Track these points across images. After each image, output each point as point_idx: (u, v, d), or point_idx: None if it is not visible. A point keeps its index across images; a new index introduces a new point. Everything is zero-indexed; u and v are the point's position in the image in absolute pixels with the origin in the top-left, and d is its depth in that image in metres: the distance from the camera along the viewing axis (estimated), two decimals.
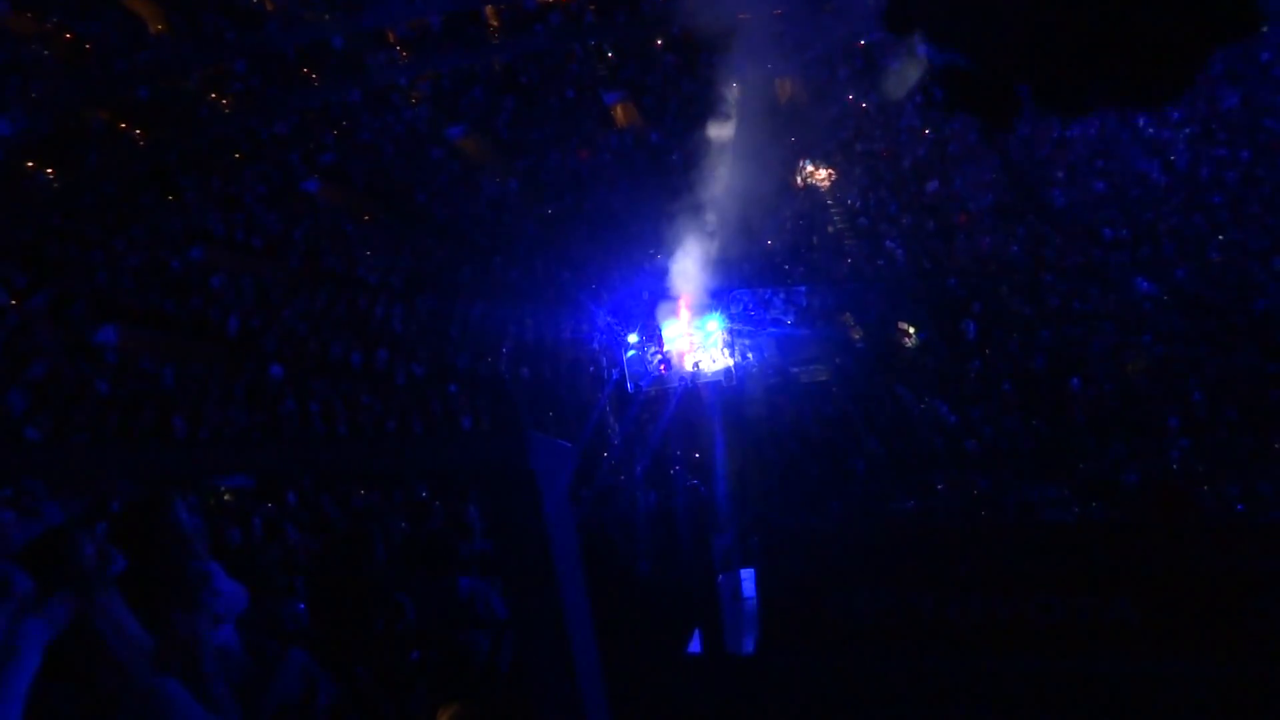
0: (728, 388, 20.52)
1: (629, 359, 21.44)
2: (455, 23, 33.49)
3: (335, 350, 18.77)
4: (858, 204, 28.43)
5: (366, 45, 31.98)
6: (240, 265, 21.55)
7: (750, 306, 23.36)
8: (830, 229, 27.72)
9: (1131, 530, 2.95)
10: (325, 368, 18.38)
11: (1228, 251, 23.95)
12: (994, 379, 18.70)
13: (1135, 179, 28.73)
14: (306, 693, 3.13)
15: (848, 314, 22.54)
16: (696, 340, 21.91)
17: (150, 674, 2.28)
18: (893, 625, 2.24)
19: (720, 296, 23.02)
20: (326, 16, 31.24)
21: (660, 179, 29.58)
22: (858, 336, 21.56)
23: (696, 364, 21.10)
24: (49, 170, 23.40)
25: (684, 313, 22.34)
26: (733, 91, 29.71)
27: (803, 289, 24.10)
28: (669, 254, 24.33)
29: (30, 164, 23.20)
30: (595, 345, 21.96)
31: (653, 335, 22.29)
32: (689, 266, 23.37)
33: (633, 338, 22.05)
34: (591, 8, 34.76)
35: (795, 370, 20.81)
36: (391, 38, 33.31)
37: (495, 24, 34.73)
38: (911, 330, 21.18)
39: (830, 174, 29.71)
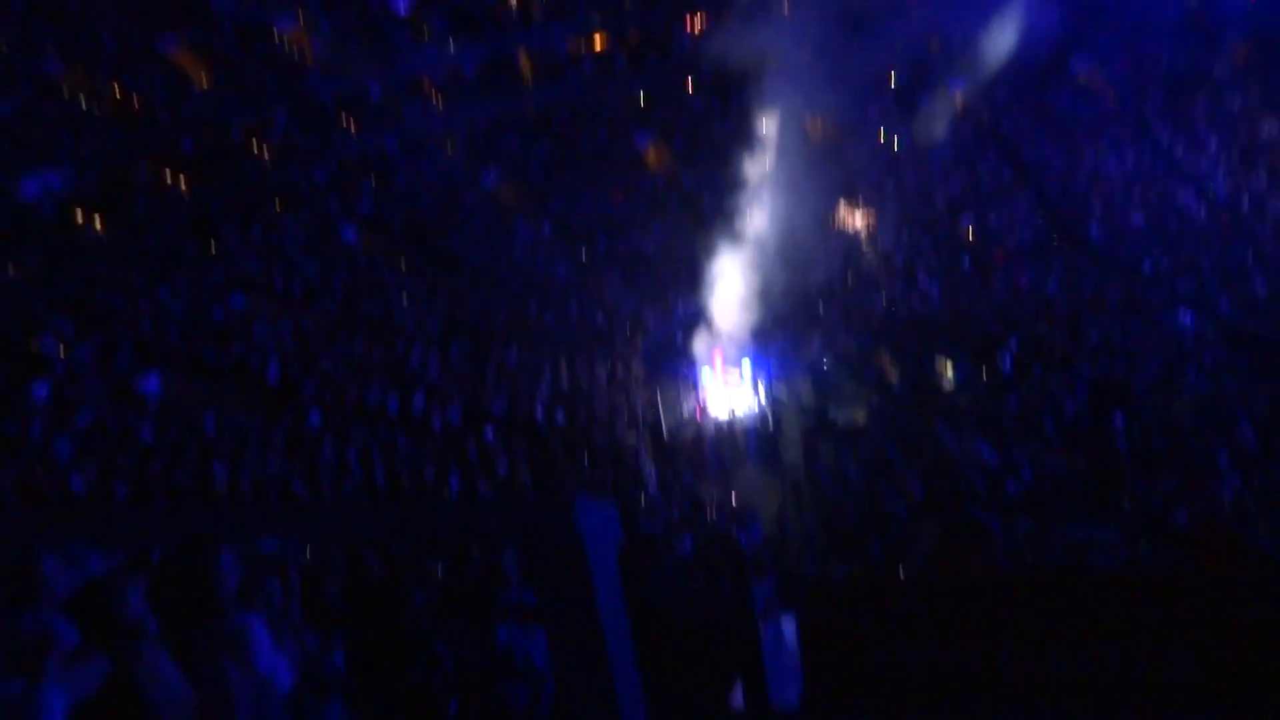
0: (764, 431, 20.37)
1: (665, 403, 21.40)
2: (489, 71, 34.14)
3: (372, 396, 18.93)
4: (891, 242, 28.34)
5: (403, 94, 32.65)
6: (280, 313, 21.87)
7: (786, 348, 23.26)
8: (865, 268, 27.63)
9: (1190, 579, 2.86)
10: (363, 414, 18.52)
11: (1271, 282, 23.52)
12: (1035, 418, 18.39)
13: (1174, 211, 28.39)
14: None
15: (884, 354, 22.35)
16: (732, 383, 21.84)
17: None
18: (941, 681, 2.17)
19: (755, 339, 22.97)
20: (364, 66, 31.97)
21: (693, 221, 29.73)
22: (895, 378, 21.35)
23: (732, 408, 20.99)
24: (97, 221, 24.00)
25: (719, 356, 22.30)
26: (764, 132, 29.90)
27: (838, 330, 23.99)
28: (703, 296, 24.37)
29: (79, 216, 23.82)
30: (631, 389, 21.93)
31: (689, 378, 22.25)
32: (723, 309, 23.38)
33: (668, 382, 22.04)
34: (623, 53, 35.29)
35: (832, 413, 20.61)
36: (427, 86, 33.99)
37: (528, 72, 35.34)
38: (949, 369, 20.95)
39: (864, 213, 29.68)
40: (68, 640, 2.49)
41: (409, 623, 5.14)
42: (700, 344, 22.78)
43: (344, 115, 31.40)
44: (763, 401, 20.83)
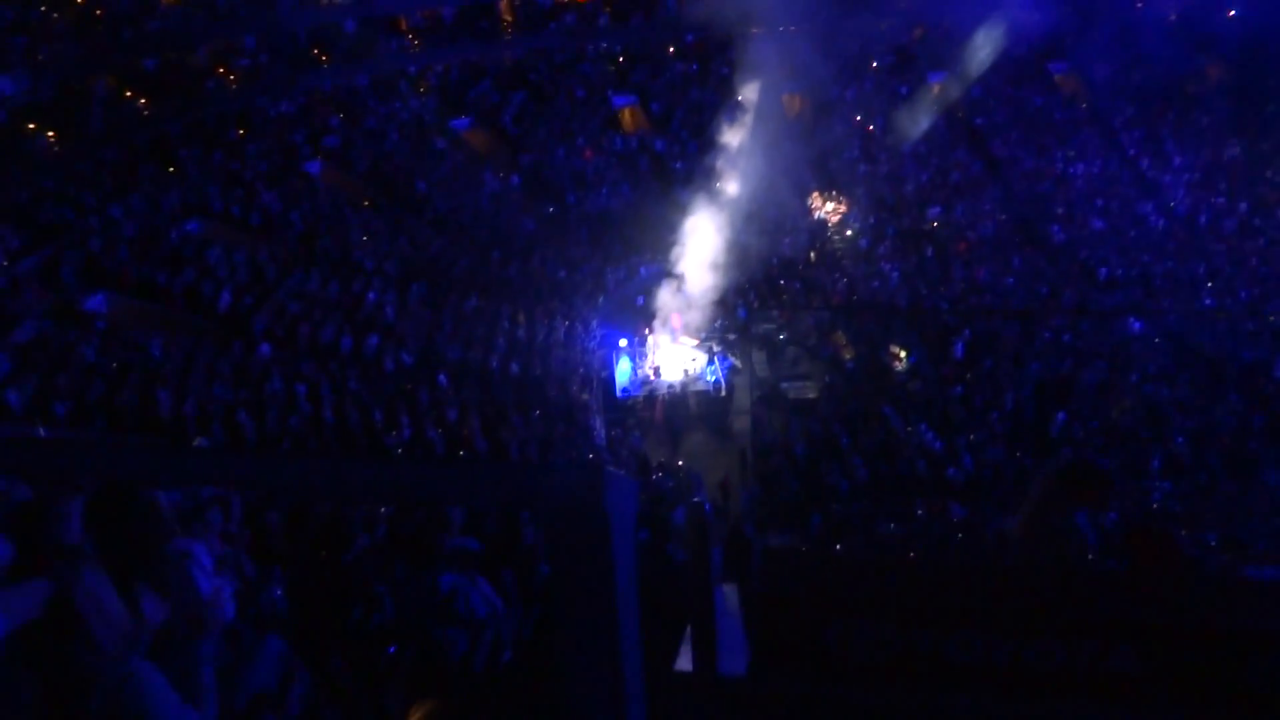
0: (715, 398, 20.49)
1: (619, 362, 21.40)
2: (469, 15, 33.51)
3: (326, 333, 18.67)
4: (858, 225, 28.51)
5: (378, 31, 31.94)
6: (236, 241, 21.42)
7: (744, 318, 23.37)
8: (829, 247, 27.78)
9: (1130, 578, 2.94)
10: (314, 350, 18.27)
11: (1220, 299, 24.13)
12: (981, 408, 18.73)
13: (1134, 220, 28.94)
14: (282, 682, 3.08)
15: (840, 333, 22.55)
16: (688, 348, 21.91)
17: (128, 657, 2.22)
18: (889, 659, 2.21)
19: (715, 306, 23.04)
20: (339, 0, 31.20)
21: (662, 185, 29.60)
22: (849, 356, 21.55)
23: (686, 371, 21.07)
24: (50, 133, 23.23)
25: (678, 319, 22.35)
26: (741, 104, 29.78)
27: (797, 305, 24.14)
28: (666, 260, 24.34)
29: (31, 126, 23.03)
30: (587, 346, 21.91)
31: (645, 340, 22.27)
32: (686, 274, 23.38)
33: (624, 342, 22.03)
34: (606, 10, 34.80)
35: (784, 385, 20.78)
36: (404, 25, 33.29)
37: (509, 19, 34.74)
38: (902, 354, 21.20)
39: (833, 193, 29.78)
40: (3, 557, 2.43)
41: (352, 563, 5.12)
42: (660, 307, 22.78)
43: (316, 46, 30.65)
44: (717, 368, 20.93)
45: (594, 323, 23.09)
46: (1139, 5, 34.62)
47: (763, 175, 25.72)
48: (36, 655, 2.12)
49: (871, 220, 28.51)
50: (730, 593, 3.73)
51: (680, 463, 18.19)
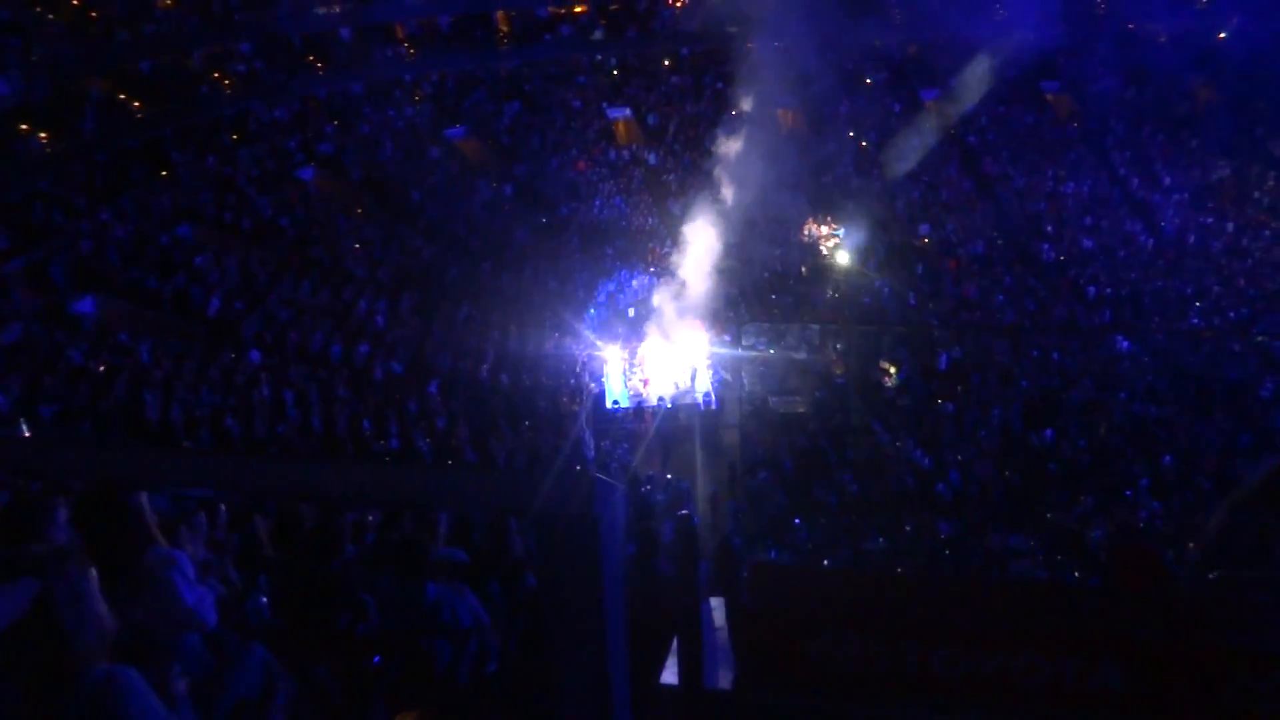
0: (705, 412, 20.46)
1: (609, 374, 21.37)
2: (465, 24, 33.59)
3: (316, 340, 18.62)
4: (849, 239, 28.59)
5: (374, 39, 31.99)
6: (227, 247, 21.37)
7: (735, 332, 23.38)
8: (820, 261, 27.86)
9: (1119, 595, 2.95)
10: (303, 357, 18.21)
11: (1208, 319, 24.25)
12: (970, 425, 18.77)
13: (1124, 239, 29.12)
14: (265, 689, 3.07)
15: (830, 347, 22.59)
16: (678, 362, 21.89)
17: (108, 661, 2.20)
18: (872, 672, 2.21)
19: (706, 318, 23.04)
20: (336, 7, 31.25)
21: (655, 198, 29.67)
22: (839, 371, 21.58)
23: (676, 384, 21.04)
24: (42, 135, 23.16)
25: (668, 334, 22.33)
26: (734, 118, 29.91)
27: (787, 319, 24.16)
28: (658, 272, 24.35)
29: (24, 127, 22.96)
30: (577, 358, 21.87)
31: (635, 353, 22.25)
32: (677, 287, 23.40)
33: (614, 353, 21.99)
34: (602, 22, 34.95)
35: (774, 400, 20.78)
36: (400, 33, 33.34)
37: (505, 29, 34.84)
38: (892, 369, 21.24)
39: (825, 208, 29.88)
40: None
41: (338, 572, 5.09)
42: (651, 318, 22.77)
43: (311, 53, 30.67)
44: (707, 382, 20.91)
45: (585, 334, 23.06)
46: (1131, 26, 34.98)
47: (754, 189, 25.78)
48: (20, 655, 2.10)
49: (863, 236, 28.60)
50: (717, 606, 3.72)
51: (669, 476, 18.15)
